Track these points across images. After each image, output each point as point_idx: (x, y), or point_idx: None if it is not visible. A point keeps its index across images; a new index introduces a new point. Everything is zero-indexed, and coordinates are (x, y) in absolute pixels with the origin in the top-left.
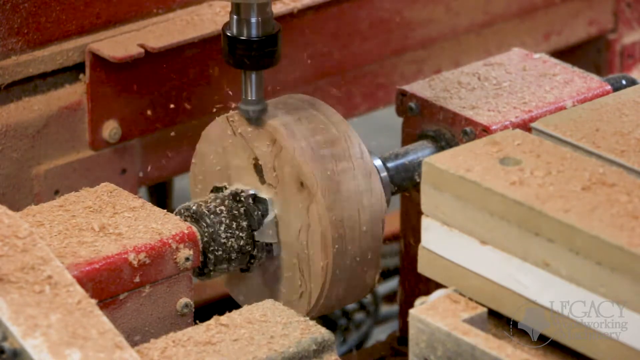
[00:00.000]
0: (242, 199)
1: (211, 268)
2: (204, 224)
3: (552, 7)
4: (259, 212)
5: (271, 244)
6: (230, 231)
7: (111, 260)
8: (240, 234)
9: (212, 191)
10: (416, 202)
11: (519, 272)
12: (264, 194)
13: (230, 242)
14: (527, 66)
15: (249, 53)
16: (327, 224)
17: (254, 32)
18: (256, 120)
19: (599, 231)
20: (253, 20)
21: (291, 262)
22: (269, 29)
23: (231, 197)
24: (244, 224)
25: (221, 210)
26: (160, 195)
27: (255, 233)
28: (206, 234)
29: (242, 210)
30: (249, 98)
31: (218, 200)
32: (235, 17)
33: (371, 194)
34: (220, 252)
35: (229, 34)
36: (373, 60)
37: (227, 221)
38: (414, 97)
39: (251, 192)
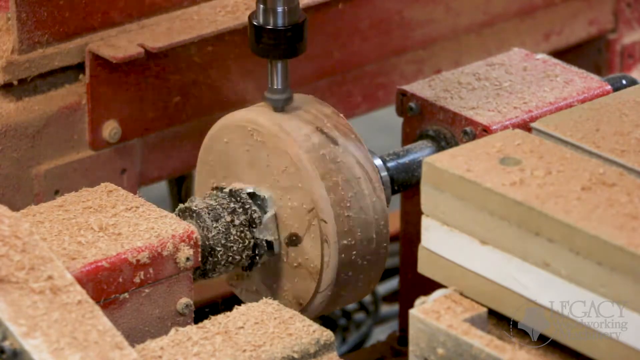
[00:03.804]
0: (241, 197)
1: (211, 268)
2: (203, 223)
3: (552, 7)
4: (258, 210)
5: (272, 241)
6: (230, 230)
7: (111, 260)
8: (241, 234)
9: (214, 189)
10: (416, 202)
11: (519, 272)
12: (263, 192)
13: (230, 242)
14: (528, 66)
15: (275, 42)
16: (330, 224)
17: (280, 21)
18: (282, 108)
19: (599, 231)
20: (279, 9)
21: (293, 260)
22: (295, 18)
23: (230, 196)
24: (244, 222)
25: (221, 210)
26: (180, 188)
27: (256, 230)
28: (206, 234)
29: (240, 209)
30: (275, 87)
31: (218, 200)
32: (261, 6)
33: (373, 194)
34: (220, 252)
35: (255, 23)
36: (373, 60)
37: (227, 220)
38: (414, 97)
39: (249, 190)
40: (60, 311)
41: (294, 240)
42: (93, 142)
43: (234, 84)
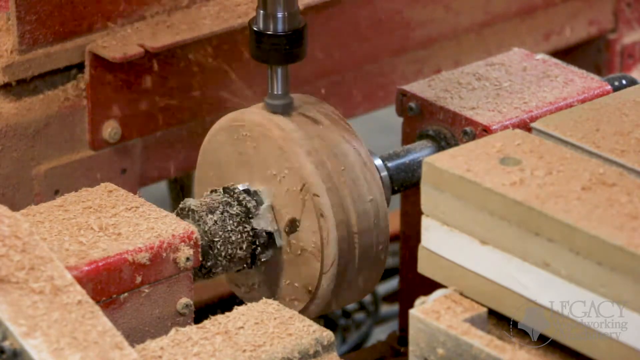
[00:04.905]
0: (234, 192)
1: (211, 268)
2: (203, 223)
3: (552, 7)
4: (253, 201)
5: (272, 234)
6: (230, 230)
7: (111, 260)
8: (240, 233)
9: (211, 191)
10: (416, 202)
11: (519, 272)
12: (258, 186)
13: (230, 242)
14: (528, 66)
15: (275, 48)
16: (323, 197)
17: (280, 27)
18: (282, 114)
19: (599, 231)
20: (279, 15)
21: (293, 260)
22: (295, 23)
23: (224, 193)
24: (243, 221)
25: (220, 209)
26: (180, 188)
27: (253, 222)
28: (206, 234)
29: (235, 202)
30: (275, 92)
31: (217, 200)
32: (261, 11)
33: (374, 194)
34: (220, 252)
35: (255, 29)
36: (373, 60)
37: (227, 220)
38: (414, 97)
39: (242, 186)
40: (60, 311)
41: (293, 225)
42: (93, 142)
43: (234, 84)
